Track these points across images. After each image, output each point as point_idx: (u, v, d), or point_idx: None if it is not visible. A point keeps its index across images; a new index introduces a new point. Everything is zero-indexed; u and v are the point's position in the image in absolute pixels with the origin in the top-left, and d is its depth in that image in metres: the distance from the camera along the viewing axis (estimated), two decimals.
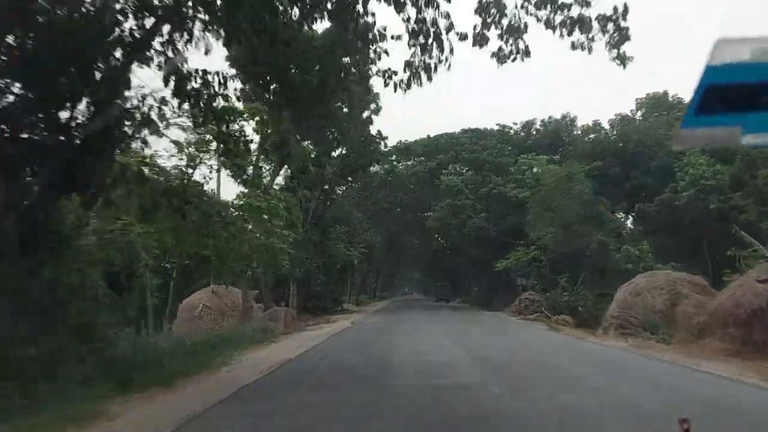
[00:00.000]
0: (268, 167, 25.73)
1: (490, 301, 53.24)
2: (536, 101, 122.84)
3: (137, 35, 10.83)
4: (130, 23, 10.76)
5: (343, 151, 41.73)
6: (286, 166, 27.20)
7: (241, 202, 18.38)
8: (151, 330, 25.75)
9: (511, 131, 52.32)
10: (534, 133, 51.62)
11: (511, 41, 12.28)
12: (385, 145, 43.03)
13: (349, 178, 46.04)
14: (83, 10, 10.20)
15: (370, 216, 52.77)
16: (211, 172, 19.29)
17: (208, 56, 12.17)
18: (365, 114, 37.06)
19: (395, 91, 13.11)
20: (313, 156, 36.93)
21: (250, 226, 20.76)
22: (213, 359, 12.97)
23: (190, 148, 18.96)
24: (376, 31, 13.46)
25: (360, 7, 12.35)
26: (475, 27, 12.17)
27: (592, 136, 32.39)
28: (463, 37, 12.35)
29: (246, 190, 19.66)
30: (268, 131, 26.13)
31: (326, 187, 39.29)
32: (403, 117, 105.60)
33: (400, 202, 61.67)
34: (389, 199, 56.45)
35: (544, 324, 28.54)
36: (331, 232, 40.72)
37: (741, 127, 1.32)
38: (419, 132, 76.26)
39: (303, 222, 35.00)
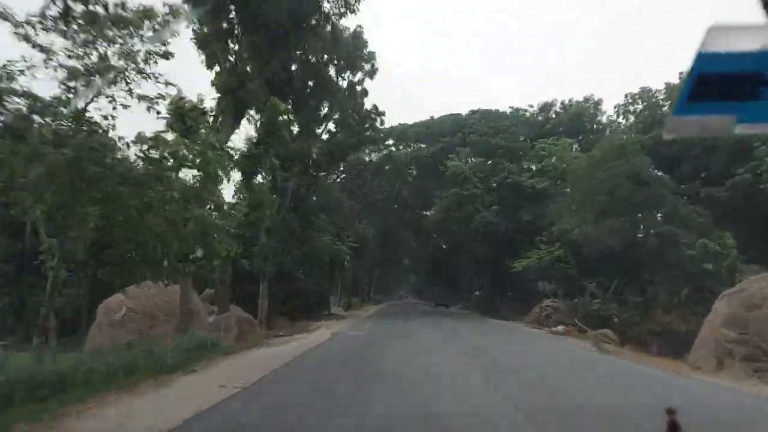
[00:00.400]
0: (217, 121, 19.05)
1: (496, 308, 46.82)
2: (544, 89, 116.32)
3: None
4: None
5: (331, 126, 35.19)
6: (247, 123, 20.55)
7: (146, 148, 11.58)
8: (53, 344, 18.86)
9: (527, 113, 45.79)
10: (553, 116, 45.11)
11: None
12: (382, 122, 36.46)
13: (341, 165, 39.40)
14: None
15: (364, 207, 46.11)
16: (115, 108, 12.54)
17: None
18: (358, 76, 30.48)
19: None
20: (294, 127, 30.40)
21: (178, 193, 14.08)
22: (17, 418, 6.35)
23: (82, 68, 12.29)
24: None
25: None
26: None
27: (639, 105, 26.11)
28: None
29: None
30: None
31: (310, 163, 32.60)
32: (402, 101, 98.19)
33: (397, 195, 55.06)
34: (385, 189, 49.79)
35: (581, 341, 21.93)
36: (315, 220, 34.06)
37: (734, 116, 1.29)
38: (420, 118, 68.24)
39: (279, 205, 28.44)
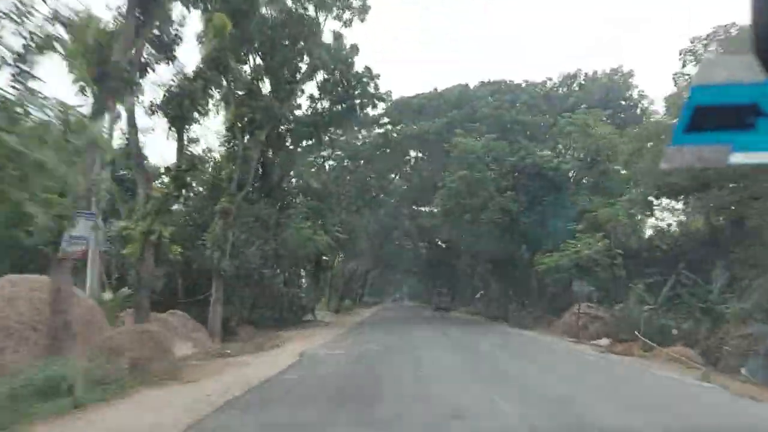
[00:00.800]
0: None
1: (506, 312, 40.32)
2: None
3: None
4: None
5: (314, 90, 28.62)
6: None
7: None
8: None
9: (547, 85, 39.22)
10: (576, 89, 38.64)
11: None
12: (377, 87, 29.86)
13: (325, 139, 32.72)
14: None
15: (355, 195, 39.40)
16: None
17: None
18: (346, 16, 23.77)
19: None
20: (265, 87, 23.82)
21: None
22: None
23: None
24: None
25: None
26: None
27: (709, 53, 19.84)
28: None
29: None
30: None
31: (284, 132, 25.99)
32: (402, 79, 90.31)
33: (393, 187, 48.48)
34: (380, 177, 43.11)
35: (658, 363, 15.32)
36: (290, 205, 27.40)
37: (729, 146, 1.31)
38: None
39: (240, 179, 21.81)
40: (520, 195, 32.55)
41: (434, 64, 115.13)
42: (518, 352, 17.28)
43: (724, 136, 1.28)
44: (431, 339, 21.65)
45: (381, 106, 33.59)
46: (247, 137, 22.68)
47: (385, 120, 40.61)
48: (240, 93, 22.31)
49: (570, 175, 33.61)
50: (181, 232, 22.85)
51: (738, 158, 1.31)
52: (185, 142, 14.73)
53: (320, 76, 28.34)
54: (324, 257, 36.90)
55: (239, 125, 22.24)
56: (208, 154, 25.70)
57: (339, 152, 40.63)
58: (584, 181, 34.28)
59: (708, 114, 1.28)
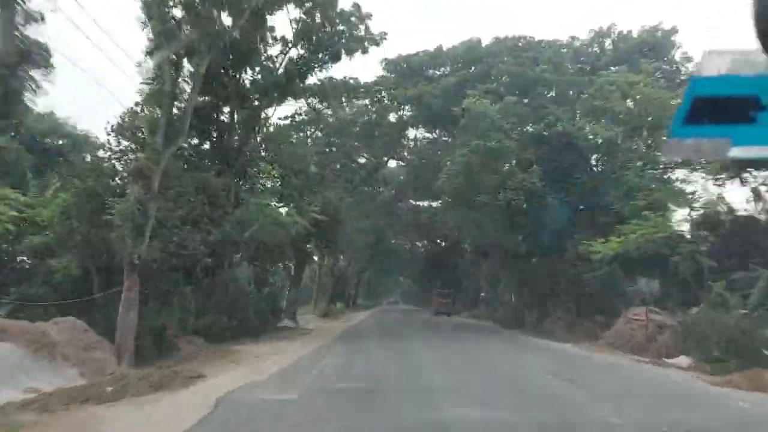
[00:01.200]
0: None
1: (521, 317, 33.86)
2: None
3: None
4: None
5: (287, 32, 22.06)
6: None
7: None
8: None
9: (576, 43, 32.60)
10: (609, 47, 32.10)
11: None
12: (367, 28, 23.26)
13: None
14: None
15: (344, 177, 32.73)
16: None
17: None
18: None
19: None
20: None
21: None
22: None
23: None
24: None
25: None
26: None
27: None
28: None
29: None
30: None
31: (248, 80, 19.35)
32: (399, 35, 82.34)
33: (388, 172, 41.96)
34: (371, 150, 36.36)
35: None
36: (252, 176, 20.73)
37: (729, 139, 1.27)
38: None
39: (167, 131, 15.17)
40: (546, 170, 25.96)
41: (429, 34, 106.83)
42: (602, 392, 10.53)
43: (723, 129, 1.24)
44: (443, 360, 15.04)
45: (376, 72, 27.03)
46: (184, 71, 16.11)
47: (380, 88, 33.97)
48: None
49: (603, 148, 27.10)
50: (84, 205, 16.34)
51: (737, 152, 1.27)
52: (15, 20, 8.09)
53: (294, 12, 21.90)
54: (309, 249, 30.37)
55: (172, 56, 15.62)
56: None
57: (329, 130, 34.23)
58: (616, 161, 27.79)
59: (708, 106, 1.23)
